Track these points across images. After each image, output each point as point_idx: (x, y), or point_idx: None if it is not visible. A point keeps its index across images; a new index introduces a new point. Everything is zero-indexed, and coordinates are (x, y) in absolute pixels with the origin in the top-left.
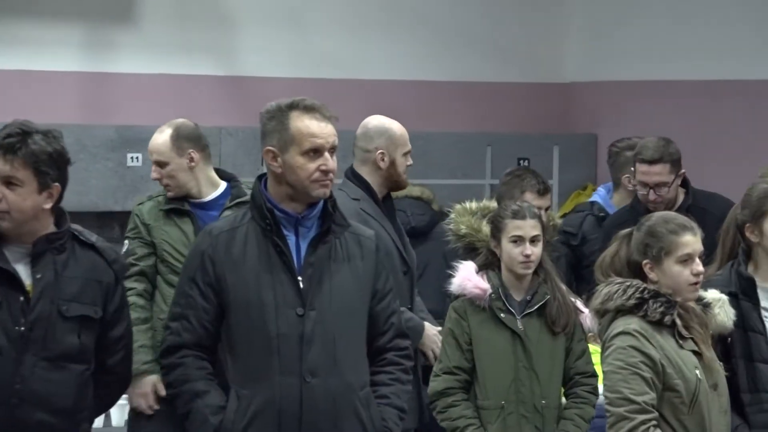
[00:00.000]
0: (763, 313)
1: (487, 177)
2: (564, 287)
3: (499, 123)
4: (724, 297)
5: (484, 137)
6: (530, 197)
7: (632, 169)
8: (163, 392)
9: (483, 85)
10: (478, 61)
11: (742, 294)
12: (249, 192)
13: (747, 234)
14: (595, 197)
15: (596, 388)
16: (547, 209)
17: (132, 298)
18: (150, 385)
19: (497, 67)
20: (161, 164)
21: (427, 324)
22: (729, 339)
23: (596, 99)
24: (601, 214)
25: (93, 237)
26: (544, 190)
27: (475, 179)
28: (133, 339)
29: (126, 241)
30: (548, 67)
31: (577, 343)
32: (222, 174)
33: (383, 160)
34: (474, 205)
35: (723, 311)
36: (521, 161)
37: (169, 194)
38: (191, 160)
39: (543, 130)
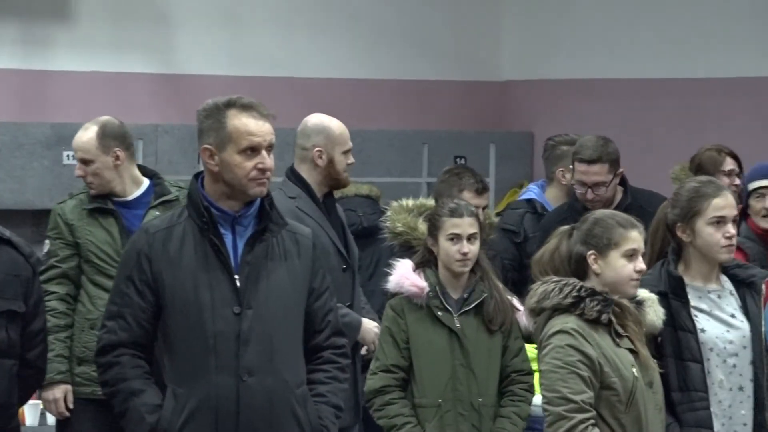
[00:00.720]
0: (693, 312)
1: (424, 175)
2: (501, 285)
3: (436, 121)
4: (654, 296)
5: (420, 135)
6: (468, 196)
7: (570, 166)
8: (71, 404)
9: (419, 83)
10: (415, 59)
11: (672, 293)
12: (173, 189)
13: (678, 233)
14: (529, 194)
15: (532, 386)
16: (484, 208)
17: (53, 303)
18: (62, 391)
19: (433, 65)
20: (86, 162)
21: (365, 319)
22: (659, 338)
23: (532, 97)
24: (543, 211)
25: (7, 232)
26: (482, 189)
27: (411, 177)
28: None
29: (47, 241)
30: (484, 65)
31: (513, 341)
32: (144, 171)
33: (321, 158)
34: (411, 202)
35: (652, 310)
36: (457, 159)
37: (92, 192)
38: (117, 158)
39: (479, 128)
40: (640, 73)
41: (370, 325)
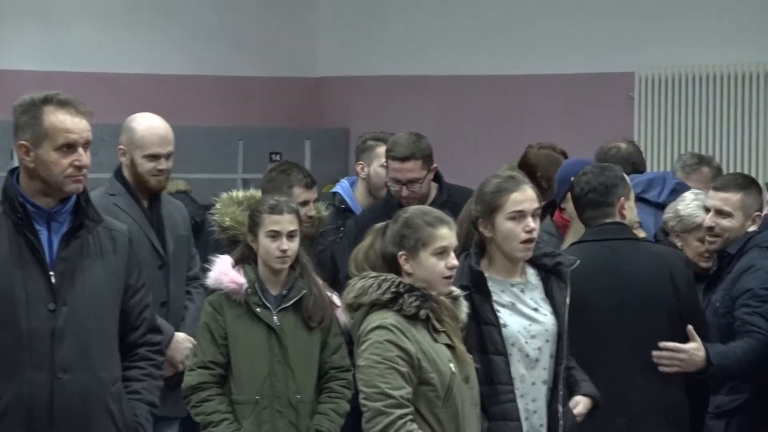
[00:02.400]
0: (496, 306)
1: (239, 171)
2: (320, 282)
3: (251, 117)
4: (458, 290)
5: (235, 132)
6: (298, 191)
7: (383, 164)
8: None
9: (234, 79)
10: (229, 55)
11: (474, 287)
12: None
13: (480, 229)
14: (337, 188)
15: (351, 382)
16: (315, 201)
17: None
18: None
19: (248, 61)
20: None
21: (179, 333)
22: (464, 332)
23: (348, 94)
24: (342, 205)
25: None
26: (311, 183)
27: (227, 173)
28: None
29: None
30: (299, 61)
31: (333, 338)
32: None
33: (124, 156)
34: (240, 194)
35: (459, 301)
36: (273, 155)
37: None
38: None
39: (295, 125)
40: (455, 69)
41: (181, 338)
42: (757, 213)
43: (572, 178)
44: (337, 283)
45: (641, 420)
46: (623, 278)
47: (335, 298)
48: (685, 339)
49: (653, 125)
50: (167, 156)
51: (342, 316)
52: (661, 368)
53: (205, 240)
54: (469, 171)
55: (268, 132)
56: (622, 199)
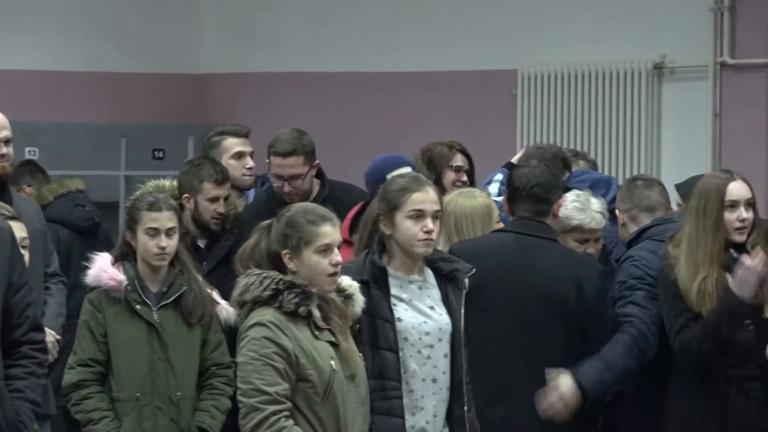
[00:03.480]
0: (393, 300)
1: (122, 168)
2: (201, 278)
3: (134, 114)
4: (356, 284)
5: (118, 128)
6: (208, 187)
7: (266, 161)
8: None
9: (116, 75)
10: (111, 51)
11: (374, 282)
12: None
13: (381, 226)
14: None
15: (232, 379)
16: (226, 198)
17: None
18: None
19: (130, 57)
20: None
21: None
22: (357, 326)
23: (232, 90)
24: None
25: None
26: (222, 179)
27: (109, 170)
28: None
29: None
30: (183, 58)
31: (213, 335)
32: None
33: None
34: (150, 185)
35: (353, 298)
36: (156, 152)
37: None
38: None
39: (178, 121)
40: (340, 66)
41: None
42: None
43: (387, 175)
44: None
45: (518, 410)
46: (528, 273)
47: (215, 295)
48: (579, 344)
49: (535, 122)
50: (5, 141)
51: (223, 313)
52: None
53: (105, 238)
54: (352, 168)
55: (151, 129)
56: (560, 200)
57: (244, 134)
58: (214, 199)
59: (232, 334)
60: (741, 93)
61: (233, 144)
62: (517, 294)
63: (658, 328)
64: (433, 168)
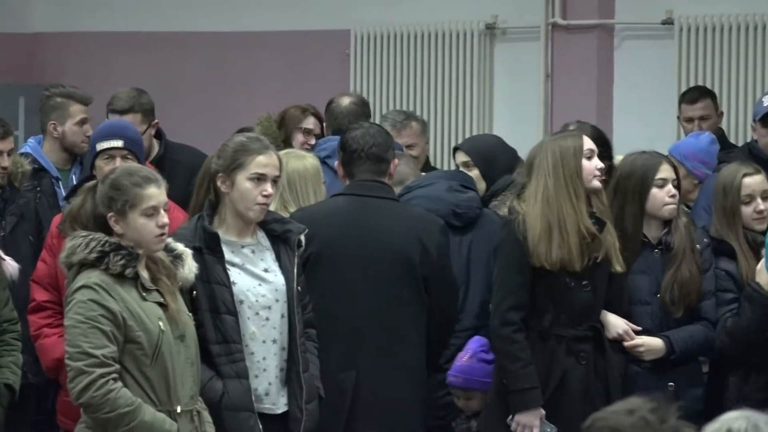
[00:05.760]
0: (227, 265)
1: None
2: None
3: None
4: (188, 250)
5: None
6: None
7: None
8: None
9: None
10: None
11: (206, 248)
12: None
13: (219, 183)
14: (26, 149)
15: (20, 334)
16: (9, 153)
17: None
18: None
19: None
20: None
21: None
22: (194, 292)
23: (63, 50)
24: (36, 165)
25: None
26: (3, 134)
27: None
28: None
29: None
30: (12, 17)
31: (1, 292)
32: None
33: None
34: None
35: (186, 265)
36: None
37: None
38: None
39: (7, 81)
40: (172, 26)
41: None
42: None
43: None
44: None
45: (370, 373)
46: (371, 235)
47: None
48: (426, 302)
49: (369, 82)
50: None
51: (9, 269)
52: None
53: None
54: (185, 128)
55: None
56: (395, 160)
57: (88, 102)
58: None
59: None
60: (572, 54)
61: (79, 111)
62: (362, 256)
63: None
64: (283, 128)
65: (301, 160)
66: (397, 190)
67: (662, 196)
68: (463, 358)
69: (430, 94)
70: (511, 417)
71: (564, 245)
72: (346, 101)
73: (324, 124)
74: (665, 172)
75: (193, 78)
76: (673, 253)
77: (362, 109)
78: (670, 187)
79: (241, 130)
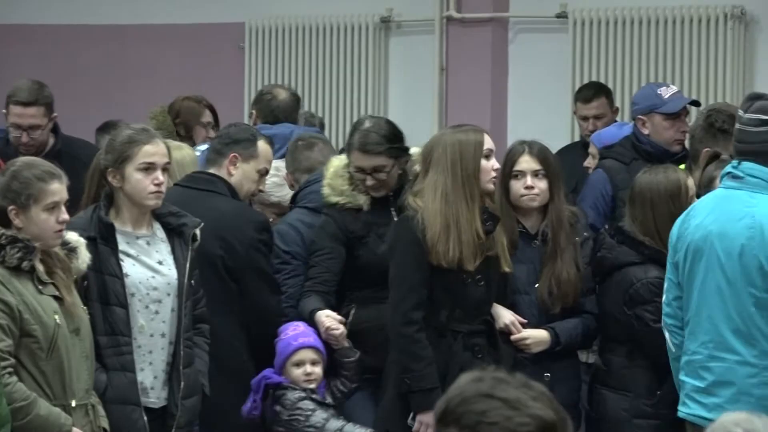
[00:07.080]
0: (121, 256)
1: None
2: None
3: None
4: (82, 240)
5: None
6: None
7: (3, 111)
8: None
9: None
10: None
11: (101, 238)
12: None
13: (110, 178)
14: None
15: None
16: None
17: None
18: None
19: None
20: None
21: None
22: (85, 282)
23: None
24: None
25: None
26: None
27: None
28: None
29: None
30: None
31: None
32: None
33: None
34: None
35: (79, 255)
36: None
37: None
38: None
39: None
40: (68, 18)
41: None
42: None
43: None
44: None
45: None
46: None
47: None
48: (236, 296)
49: (263, 75)
50: None
51: None
52: None
53: None
54: (80, 122)
55: None
56: (235, 156)
57: None
58: None
59: None
60: (467, 47)
61: None
62: None
63: None
64: (182, 123)
65: (180, 150)
66: (304, 177)
67: (518, 188)
68: None
69: (325, 87)
70: (412, 416)
71: (460, 244)
72: (283, 94)
73: (253, 114)
74: (523, 164)
75: (90, 71)
76: (550, 246)
77: (297, 104)
78: (527, 178)
79: (106, 124)
